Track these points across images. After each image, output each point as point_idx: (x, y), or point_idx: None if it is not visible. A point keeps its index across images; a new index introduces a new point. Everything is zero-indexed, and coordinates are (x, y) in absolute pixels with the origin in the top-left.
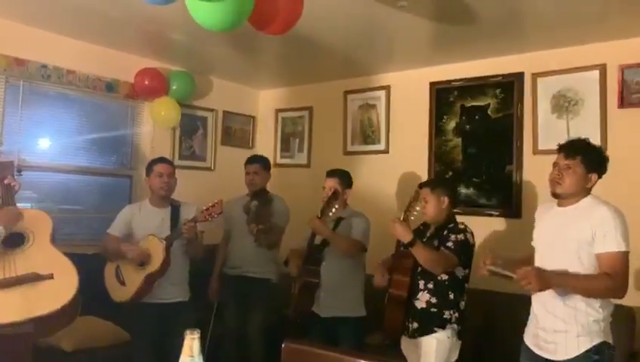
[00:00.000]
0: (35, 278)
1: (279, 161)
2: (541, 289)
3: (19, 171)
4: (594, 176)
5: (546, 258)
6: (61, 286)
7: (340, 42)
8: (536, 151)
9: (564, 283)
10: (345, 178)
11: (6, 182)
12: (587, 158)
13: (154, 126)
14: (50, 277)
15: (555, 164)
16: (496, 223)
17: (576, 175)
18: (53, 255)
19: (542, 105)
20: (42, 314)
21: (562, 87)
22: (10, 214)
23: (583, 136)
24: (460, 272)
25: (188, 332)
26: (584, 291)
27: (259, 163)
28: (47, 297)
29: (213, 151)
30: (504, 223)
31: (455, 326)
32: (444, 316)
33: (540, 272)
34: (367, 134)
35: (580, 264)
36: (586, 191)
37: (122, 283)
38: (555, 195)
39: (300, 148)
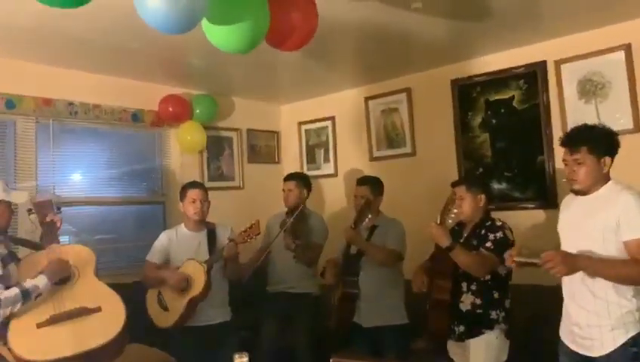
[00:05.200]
0: (83, 312)
1: (306, 173)
2: (567, 273)
3: (58, 208)
4: (607, 160)
5: (571, 247)
6: (110, 319)
7: (357, 49)
8: None
9: (591, 266)
10: (376, 185)
11: (48, 219)
12: (593, 145)
13: (181, 150)
14: (99, 310)
15: (564, 161)
16: (533, 216)
17: (587, 166)
18: (99, 288)
19: (568, 92)
20: (93, 348)
21: (587, 72)
22: (57, 268)
23: (584, 123)
24: (502, 270)
25: (237, 355)
26: (614, 276)
27: (293, 180)
28: (97, 330)
29: (240, 169)
30: (541, 215)
31: (503, 325)
32: (491, 316)
33: (566, 255)
34: (392, 138)
35: (605, 252)
36: (605, 177)
37: (165, 308)
38: (575, 192)
39: (326, 158)
